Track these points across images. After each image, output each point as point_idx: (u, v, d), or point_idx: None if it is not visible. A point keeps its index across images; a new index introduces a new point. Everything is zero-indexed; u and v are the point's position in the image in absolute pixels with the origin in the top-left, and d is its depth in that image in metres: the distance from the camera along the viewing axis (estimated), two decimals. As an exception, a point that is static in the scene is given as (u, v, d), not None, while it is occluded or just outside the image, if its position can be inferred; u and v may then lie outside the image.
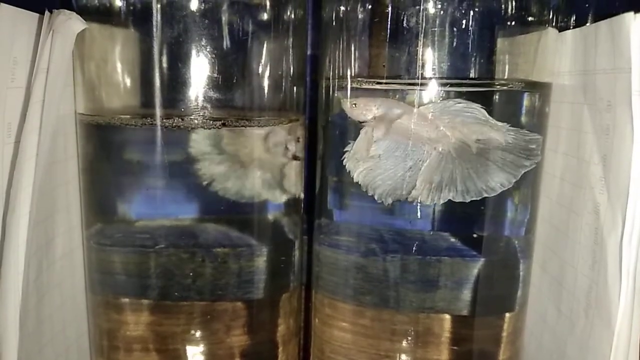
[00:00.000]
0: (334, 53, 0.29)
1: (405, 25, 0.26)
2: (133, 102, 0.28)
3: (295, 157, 0.31)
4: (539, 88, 0.28)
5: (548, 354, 0.28)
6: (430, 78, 0.26)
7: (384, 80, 0.28)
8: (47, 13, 0.24)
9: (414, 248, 0.28)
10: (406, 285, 0.28)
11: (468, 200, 0.27)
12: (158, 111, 0.27)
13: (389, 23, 0.27)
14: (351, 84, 0.29)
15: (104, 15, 0.27)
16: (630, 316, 0.22)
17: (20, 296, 0.23)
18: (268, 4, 0.29)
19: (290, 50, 0.30)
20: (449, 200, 0.28)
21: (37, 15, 0.25)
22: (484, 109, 0.26)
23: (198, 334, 0.30)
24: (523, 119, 0.28)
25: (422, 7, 0.26)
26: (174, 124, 0.27)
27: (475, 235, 0.28)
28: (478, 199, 0.27)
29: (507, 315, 0.30)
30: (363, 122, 0.27)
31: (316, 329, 0.33)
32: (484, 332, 0.30)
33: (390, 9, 0.27)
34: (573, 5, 0.28)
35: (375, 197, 0.28)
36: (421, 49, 0.26)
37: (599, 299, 0.23)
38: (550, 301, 0.28)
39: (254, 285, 0.30)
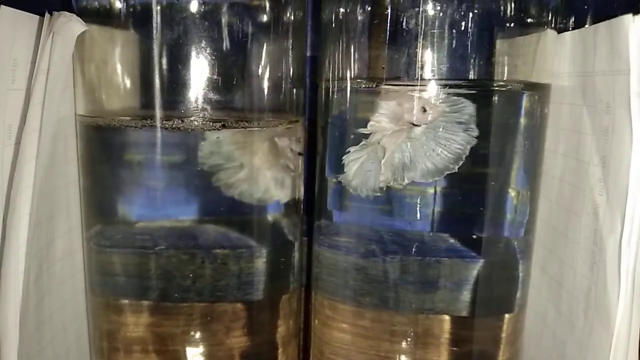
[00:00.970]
0: (334, 54, 0.29)
1: (404, 26, 0.26)
2: (133, 103, 0.28)
3: (299, 153, 0.31)
4: (538, 89, 0.28)
5: (547, 354, 0.28)
6: (430, 79, 0.26)
7: (383, 82, 0.28)
8: (47, 15, 0.24)
9: (413, 249, 0.28)
10: (406, 286, 0.29)
11: (431, 179, 0.27)
12: (158, 113, 0.27)
13: (389, 25, 0.27)
14: (350, 86, 0.29)
15: (104, 17, 0.27)
16: (630, 317, 0.22)
17: (21, 297, 0.23)
18: (268, 5, 0.29)
19: (290, 51, 0.30)
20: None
21: (37, 17, 0.25)
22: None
23: (198, 335, 0.30)
24: (522, 120, 0.28)
25: (421, 9, 0.26)
26: (174, 126, 0.27)
27: (474, 236, 0.29)
28: (441, 177, 0.27)
29: (507, 316, 0.30)
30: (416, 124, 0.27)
31: (316, 330, 0.33)
32: (483, 333, 0.30)
33: (389, 10, 0.27)
34: (572, 7, 0.28)
35: (352, 190, 0.28)
36: (420, 51, 0.26)
37: (598, 299, 0.23)
38: (550, 302, 0.28)
39: (253, 286, 0.30)
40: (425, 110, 0.26)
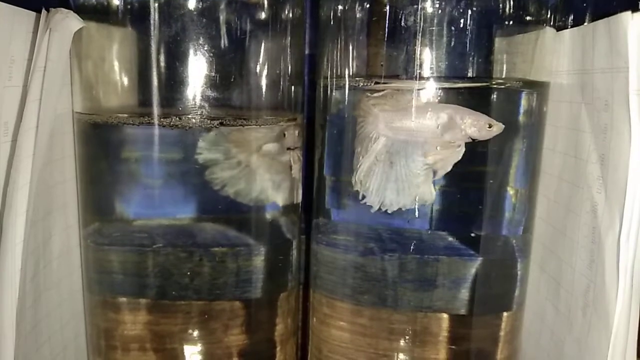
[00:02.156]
0: (332, 52, 0.29)
1: (403, 24, 0.26)
2: (130, 101, 0.28)
3: (289, 148, 0.31)
4: (536, 87, 0.28)
5: (546, 352, 0.29)
6: (428, 77, 0.26)
7: (382, 80, 0.28)
8: (44, 12, 0.24)
9: (411, 247, 0.28)
10: (404, 284, 0.28)
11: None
12: (155, 110, 0.27)
13: (387, 22, 0.27)
14: (349, 83, 0.29)
15: (101, 14, 0.27)
16: (628, 315, 0.22)
17: (17, 295, 0.23)
18: (266, 3, 0.29)
19: (288, 49, 0.30)
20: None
21: (34, 13, 0.25)
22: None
23: (196, 333, 0.30)
24: (521, 118, 0.28)
25: (420, 6, 0.26)
26: (171, 123, 0.27)
27: (473, 235, 0.28)
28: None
29: (505, 314, 0.30)
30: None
31: (314, 328, 0.32)
32: (481, 331, 0.30)
33: (388, 8, 0.27)
34: (571, 5, 0.28)
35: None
36: (419, 48, 0.26)
37: (596, 297, 0.23)
38: (548, 300, 0.28)
39: (252, 284, 0.30)
40: (490, 127, 0.26)
